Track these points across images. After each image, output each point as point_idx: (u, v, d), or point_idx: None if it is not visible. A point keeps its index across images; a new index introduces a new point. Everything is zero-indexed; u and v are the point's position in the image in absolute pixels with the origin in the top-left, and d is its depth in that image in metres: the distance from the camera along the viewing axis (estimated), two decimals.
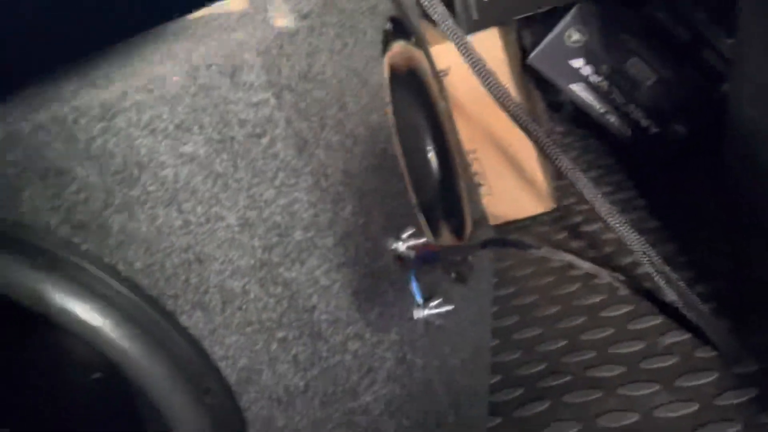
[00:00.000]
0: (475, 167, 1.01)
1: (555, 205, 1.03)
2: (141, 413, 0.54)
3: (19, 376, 0.58)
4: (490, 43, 0.94)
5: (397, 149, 0.64)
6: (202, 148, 0.42)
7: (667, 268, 0.63)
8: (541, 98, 1.25)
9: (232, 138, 0.42)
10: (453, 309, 0.67)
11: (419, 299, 0.56)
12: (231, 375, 0.51)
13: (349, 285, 0.46)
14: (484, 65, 0.62)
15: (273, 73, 0.41)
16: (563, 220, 1.01)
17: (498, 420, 0.70)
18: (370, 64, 0.60)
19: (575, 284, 0.86)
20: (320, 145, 0.45)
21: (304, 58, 0.45)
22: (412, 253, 0.54)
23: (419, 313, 0.56)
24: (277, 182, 0.43)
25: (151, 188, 0.44)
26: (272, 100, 0.41)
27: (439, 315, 0.57)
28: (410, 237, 0.55)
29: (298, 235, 0.44)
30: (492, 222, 1.04)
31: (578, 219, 0.99)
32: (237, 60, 0.40)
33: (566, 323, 0.79)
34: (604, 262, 0.87)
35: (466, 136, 0.99)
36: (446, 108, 0.92)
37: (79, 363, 0.57)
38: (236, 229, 0.45)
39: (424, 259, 0.60)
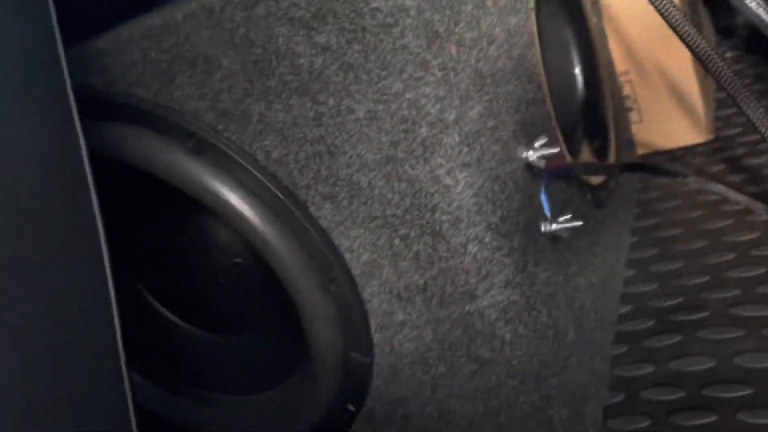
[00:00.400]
0: (626, 90, 0.94)
1: (713, 136, 0.94)
2: (273, 299, 0.58)
3: (170, 251, 0.65)
4: None
5: (538, 58, 0.61)
6: (335, 38, 0.43)
7: None
8: (711, 21, 1.13)
9: (364, 28, 0.42)
10: (585, 230, 0.65)
11: (547, 212, 0.55)
12: (355, 267, 0.53)
13: (471, 186, 0.46)
14: None
15: None
16: (721, 152, 0.92)
17: (624, 348, 0.68)
18: None
19: (727, 219, 0.79)
20: (452, 40, 0.44)
21: None
22: (542, 164, 0.52)
23: (547, 226, 0.55)
24: (404, 75, 0.43)
25: (287, 78, 0.46)
26: None
27: (567, 231, 0.55)
28: (543, 147, 0.53)
29: (423, 131, 0.44)
30: (640, 151, 0.98)
31: (740, 151, 0.90)
32: None
33: (711, 259, 0.74)
34: (765, 197, 0.79)
35: (619, 56, 0.93)
36: (598, 23, 0.86)
37: (223, 246, 0.63)
38: (364, 122, 0.46)
39: (558, 173, 0.58)
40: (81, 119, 0.53)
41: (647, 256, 0.79)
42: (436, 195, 0.47)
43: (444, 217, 0.48)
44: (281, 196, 0.51)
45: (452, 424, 0.58)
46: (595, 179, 0.73)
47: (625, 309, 0.73)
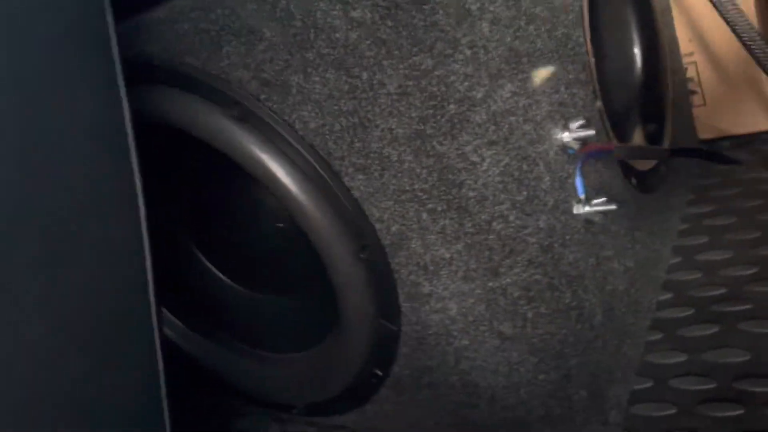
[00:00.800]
0: (689, 72, 0.91)
1: None
2: (311, 264, 0.60)
3: (220, 213, 0.69)
4: None
5: (585, 37, 0.60)
6: (369, 14, 0.44)
7: None
8: None
9: (396, 5, 0.43)
10: (625, 214, 0.64)
11: (581, 194, 0.55)
12: (385, 237, 0.55)
13: (497, 164, 0.46)
14: None
15: None
16: None
17: (659, 335, 0.67)
18: None
19: None
20: (485, 18, 0.44)
21: None
22: (577, 145, 0.52)
23: (579, 209, 0.55)
24: (435, 52, 0.43)
25: (324, 51, 0.48)
26: None
27: (600, 214, 0.55)
28: (579, 128, 0.53)
29: (451, 108, 0.45)
30: (703, 135, 0.95)
31: None
32: None
33: (762, 251, 0.72)
34: None
35: (684, 36, 0.89)
36: (662, 1, 0.84)
37: (268, 211, 0.66)
38: (395, 97, 0.47)
39: (596, 155, 0.58)
40: (138, 84, 0.56)
41: (695, 244, 0.77)
42: (463, 172, 0.48)
43: (470, 194, 0.48)
44: (317, 166, 0.53)
45: (474, 395, 0.60)
46: (643, 163, 0.72)
47: (666, 296, 0.72)
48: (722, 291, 0.69)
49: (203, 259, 0.72)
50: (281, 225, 0.66)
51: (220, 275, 0.72)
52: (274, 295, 0.70)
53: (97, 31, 0.40)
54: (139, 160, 0.41)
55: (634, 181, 0.69)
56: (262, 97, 0.52)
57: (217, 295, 0.72)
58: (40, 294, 0.34)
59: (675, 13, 0.88)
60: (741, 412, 0.56)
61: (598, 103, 0.62)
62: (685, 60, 0.90)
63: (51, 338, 0.36)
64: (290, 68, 0.50)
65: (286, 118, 0.52)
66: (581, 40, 0.58)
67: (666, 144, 0.81)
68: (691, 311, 0.68)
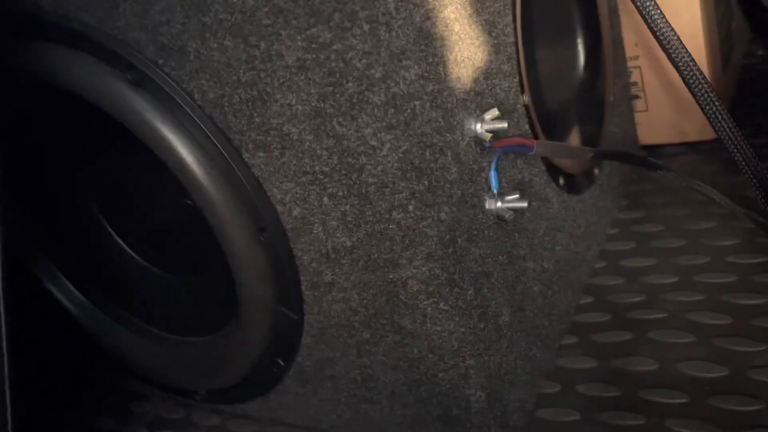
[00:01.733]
0: (634, 77, 0.90)
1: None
2: (216, 246, 0.57)
3: (125, 182, 0.65)
4: None
5: (516, 28, 0.58)
6: None
7: None
8: (745, 19, 1.06)
9: None
10: (546, 214, 0.62)
11: (494, 189, 0.53)
12: (287, 221, 0.52)
13: (396, 150, 0.44)
14: None
15: None
16: (725, 152, 0.87)
17: (573, 339, 0.66)
18: None
19: (711, 222, 0.75)
20: None
21: None
22: (488, 138, 0.50)
23: (492, 204, 0.53)
24: (332, 24, 0.41)
25: (221, 16, 0.44)
26: None
27: (515, 212, 0.53)
28: (495, 120, 0.50)
29: (350, 86, 0.43)
30: (643, 141, 0.94)
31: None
32: None
33: (685, 260, 0.71)
34: (754, 206, 0.75)
35: (631, 40, 0.88)
36: (608, 1, 0.82)
37: (175, 186, 0.62)
38: (294, 70, 0.44)
39: (513, 149, 0.56)
40: (28, 39, 0.52)
41: (622, 250, 0.76)
42: (363, 156, 0.45)
43: (370, 180, 0.46)
44: (215, 140, 0.50)
45: (375, 390, 0.57)
46: (573, 165, 0.70)
47: (586, 300, 0.70)
48: (641, 298, 0.68)
49: (108, 229, 0.68)
50: (189, 201, 0.62)
51: (126, 248, 0.68)
52: (179, 274, 0.67)
53: None
54: None
55: (561, 181, 0.67)
56: (160, 61, 0.49)
57: (121, 269, 0.69)
58: None
59: (622, 15, 0.86)
60: (642, 422, 0.55)
61: (525, 98, 0.60)
62: (630, 64, 0.89)
63: None
64: (187, 32, 0.46)
65: (185, 86, 0.49)
66: (508, 30, 0.56)
67: (600, 145, 0.80)
68: (608, 317, 0.67)
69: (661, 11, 0.49)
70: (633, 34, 0.87)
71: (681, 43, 0.50)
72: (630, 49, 0.88)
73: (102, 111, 0.51)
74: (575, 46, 0.79)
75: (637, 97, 0.91)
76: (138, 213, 0.66)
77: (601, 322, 0.67)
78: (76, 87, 0.51)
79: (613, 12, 0.85)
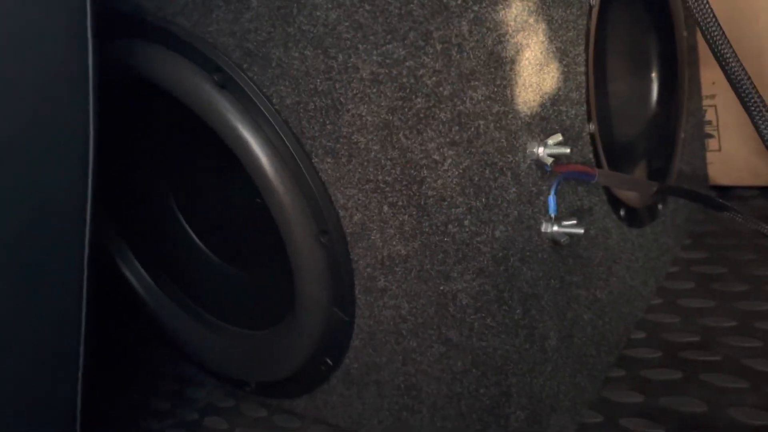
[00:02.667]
0: (708, 115, 0.88)
1: None
2: (278, 244, 0.60)
3: (200, 177, 0.69)
4: None
5: (588, 57, 0.59)
6: None
7: None
8: None
9: None
10: (604, 244, 0.63)
11: (552, 212, 0.53)
12: (347, 225, 0.54)
13: (457, 166, 0.46)
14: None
15: None
16: None
17: (621, 372, 0.65)
18: None
19: None
20: (465, 16, 0.43)
21: None
22: (550, 162, 0.51)
23: (548, 227, 0.53)
24: (407, 42, 0.43)
25: (305, 27, 0.47)
26: None
27: (571, 238, 0.54)
28: (557, 145, 0.51)
29: (418, 101, 0.45)
30: (714, 181, 0.92)
31: None
32: None
33: (746, 305, 0.69)
34: None
35: (708, 78, 0.87)
36: (689, 39, 0.81)
37: (249, 183, 0.66)
38: (368, 83, 0.46)
39: (575, 176, 0.56)
40: (134, 37, 0.57)
41: (680, 289, 0.75)
42: (425, 169, 0.47)
43: (430, 192, 0.48)
44: (288, 143, 0.53)
45: (417, 400, 0.59)
46: (637, 199, 0.70)
47: (638, 335, 0.70)
48: (696, 339, 0.67)
49: (181, 218, 0.72)
50: (259, 201, 0.66)
51: (194, 237, 0.72)
52: (241, 268, 0.70)
53: None
54: (96, 108, 0.41)
55: (622, 213, 0.67)
56: (245, 66, 0.53)
57: (187, 257, 0.73)
58: None
59: (701, 53, 0.86)
60: None
61: (591, 126, 0.60)
62: (706, 102, 0.87)
63: None
64: (272, 41, 0.49)
65: (265, 90, 0.52)
66: (579, 59, 0.57)
67: (670, 183, 0.79)
68: (659, 354, 0.66)
69: (733, 51, 0.49)
70: (711, 73, 0.86)
71: (752, 85, 0.50)
72: (707, 88, 0.87)
73: (187, 108, 0.55)
74: (649, 80, 0.79)
75: (710, 136, 0.89)
76: (210, 207, 0.70)
77: (651, 358, 0.66)
78: (167, 84, 0.55)
79: (692, 49, 0.84)
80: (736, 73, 0.49)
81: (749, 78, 0.49)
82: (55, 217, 0.40)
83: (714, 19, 0.49)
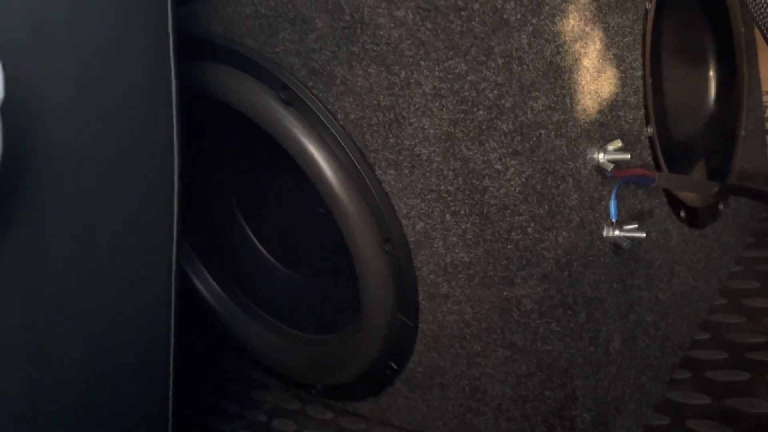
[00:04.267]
0: None
1: None
2: (342, 251, 0.62)
3: (265, 188, 0.72)
4: None
5: (645, 62, 0.59)
6: (411, 14, 0.46)
7: None
8: None
9: (437, 8, 0.44)
10: (665, 245, 0.63)
11: (613, 217, 0.54)
12: (410, 234, 0.56)
13: (520, 175, 0.47)
14: None
15: None
16: None
17: (686, 374, 0.65)
18: None
19: None
20: (524, 30, 0.45)
21: None
22: (610, 168, 0.51)
23: (609, 232, 0.54)
24: (469, 57, 0.44)
25: (368, 46, 0.49)
26: None
27: (632, 241, 0.54)
28: (616, 150, 0.52)
29: (480, 114, 0.46)
30: None
31: None
32: None
33: None
34: None
35: (767, 73, 0.86)
36: (747, 34, 0.80)
37: (310, 194, 0.68)
38: (429, 97, 0.48)
39: (635, 179, 0.57)
40: (201, 59, 0.60)
41: (745, 288, 0.74)
42: (487, 178, 0.48)
43: (492, 201, 0.49)
44: (353, 156, 0.55)
45: (482, 402, 0.60)
46: (697, 199, 0.70)
47: (702, 336, 0.69)
48: (762, 339, 0.66)
49: (246, 228, 0.76)
50: (321, 211, 0.68)
51: (259, 246, 0.75)
52: (305, 275, 0.73)
53: (156, 10, 0.43)
54: (180, 126, 0.44)
55: (682, 214, 0.67)
56: (310, 84, 0.55)
57: (253, 265, 0.76)
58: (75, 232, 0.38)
59: (760, 48, 0.84)
60: None
61: (650, 129, 0.60)
62: (766, 99, 0.86)
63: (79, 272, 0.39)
64: (336, 59, 0.52)
65: (330, 107, 0.55)
66: (636, 63, 0.57)
67: (730, 181, 0.78)
68: (725, 355, 0.66)
69: None
70: None
71: None
72: (766, 83, 0.86)
73: (255, 124, 0.58)
74: (707, 78, 0.78)
75: None
76: (274, 216, 0.73)
77: (717, 360, 0.65)
78: (236, 102, 0.58)
79: (750, 45, 0.83)
80: None
81: None
82: (147, 230, 0.43)
83: None
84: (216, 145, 0.72)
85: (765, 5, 0.52)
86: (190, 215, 0.78)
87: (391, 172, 0.54)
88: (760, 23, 0.53)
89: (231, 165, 0.74)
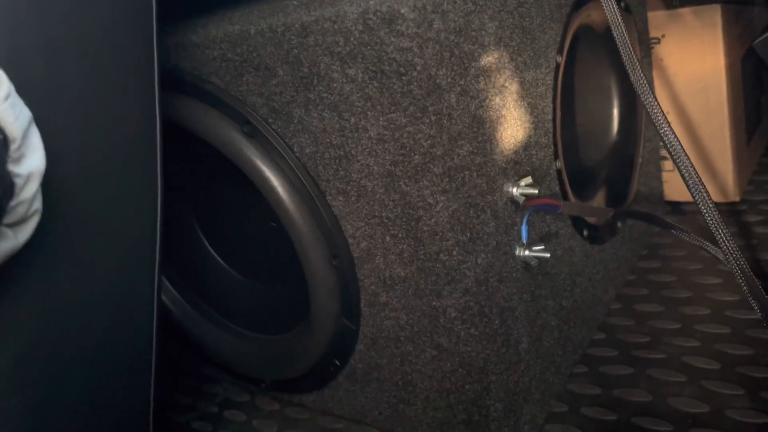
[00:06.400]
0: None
1: (738, 199, 1.00)
2: (292, 263, 0.71)
3: (224, 205, 0.79)
4: (709, 19, 0.91)
5: (554, 109, 0.70)
6: (361, 74, 0.55)
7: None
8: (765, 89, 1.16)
9: (383, 72, 0.53)
10: (568, 260, 0.74)
11: (524, 240, 0.65)
12: (355, 251, 0.65)
13: (447, 209, 0.57)
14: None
15: (423, 26, 0.51)
16: (742, 215, 0.98)
17: (584, 368, 0.77)
18: (546, 23, 0.67)
19: (718, 278, 0.86)
20: (453, 90, 0.54)
21: (462, 16, 0.54)
22: (522, 200, 0.62)
23: (520, 252, 0.65)
24: (407, 113, 0.54)
25: (323, 95, 0.58)
26: (415, 49, 0.51)
27: (536, 259, 0.65)
28: (528, 186, 0.63)
29: (416, 158, 0.56)
30: (670, 198, 1.04)
31: (757, 218, 0.96)
32: (395, 12, 0.51)
33: (689, 310, 0.82)
34: (758, 267, 0.85)
35: (664, 105, 0.99)
36: (647, 74, 0.93)
37: (263, 211, 0.76)
38: (375, 141, 0.57)
39: (543, 208, 0.68)
40: (171, 92, 0.67)
41: (636, 295, 0.87)
42: (421, 209, 0.58)
43: (425, 228, 0.59)
44: (306, 184, 0.64)
45: (413, 394, 0.70)
46: (596, 218, 0.82)
47: (599, 336, 0.82)
48: (646, 339, 0.79)
49: (203, 240, 0.83)
50: (274, 225, 0.76)
51: (215, 255, 0.83)
52: (258, 282, 0.81)
53: (143, 42, 0.50)
54: (163, 156, 0.51)
55: (585, 233, 0.79)
56: (270, 120, 0.63)
57: (211, 274, 0.83)
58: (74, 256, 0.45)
59: (656, 81, 0.98)
60: None
61: (558, 163, 0.72)
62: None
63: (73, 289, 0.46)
64: (295, 102, 0.60)
65: (287, 141, 0.63)
66: (547, 108, 0.68)
67: (628, 203, 0.91)
68: (615, 352, 0.78)
69: (653, 96, 0.61)
70: (665, 104, 0.98)
71: (667, 124, 0.62)
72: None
73: (220, 153, 0.66)
74: (611, 114, 0.91)
75: (665, 158, 1.01)
76: (232, 233, 0.81)
77: (609, 356, 0.78)
78: (203, 133, 0.66)
79: (650, 83, 0.96)
80: (655, 114, 0.61)
81: (664, 117, 0.61)
82: (134, 258, 0.50)
83: (649, 90, 0.61)
84: (177, 168, 0.79)
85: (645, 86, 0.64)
86: None
87: (340, 198, 0.63)
88: (643, 98, 0.65)
89: (190, 185, 0.81)
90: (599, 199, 0.87)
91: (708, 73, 0.95)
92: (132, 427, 0.50)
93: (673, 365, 0.74)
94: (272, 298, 0.80)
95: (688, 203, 1.03)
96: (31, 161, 0.38)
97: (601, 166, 0.90)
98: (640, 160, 0.93)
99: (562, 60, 0.71)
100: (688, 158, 0.62)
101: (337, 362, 0.74)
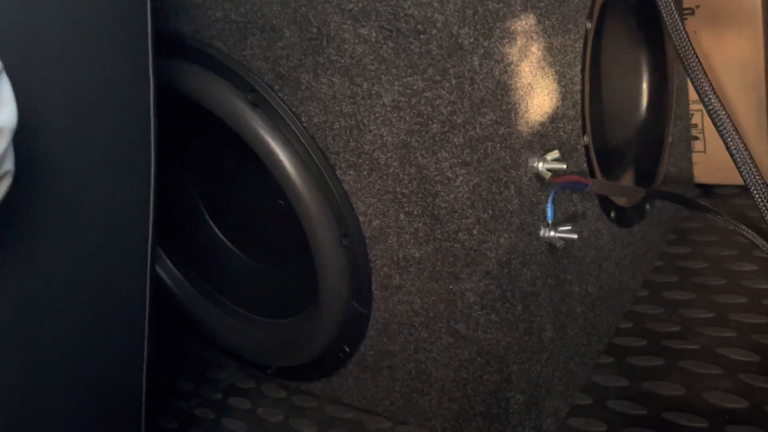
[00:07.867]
0: (694, 119, 0.95)
1: None
2: (300, 243, 0.66)
3: (228, 180, 0.75)
4: None
5: (583, 78, 0.65)
6: (374, 33, 0.50)
7: None
8: None
9: (398, 30, 0.49)
10: (595, 243, 0.69)
11: (549, 219, 0.60)
12: (366, 230, 0.61)
13: (467, 183, 0.52)
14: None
15: None
16: None
17: (609, 359, 0.72)
18: None
19: (754, 265, 0.80)
20: (476, 52, 0.49)
21: None
22: (548, 175, 0.57)
23: (545, 233, 0.60)
24: (426, 76, 0.49)
25: (333, 58, 0.53)
26: (435, 4, 0.46)
27: (565, 241, 0.60)
28: (554, 160, 0.58)
29: (434, 127, 0.51)
30: (699, 180, 0.99)
31: None
32: None
33: (723, 298, 0.76)
34: None
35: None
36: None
37: (270, 187, 0.72)
38: (389, 108, 0.52)
39: (569, 185, 0.63)
40: (170, 57, 0.63)
41: (664, 282, 0.82)
42: (439, 184, 0.53)
43: (442, 204, 0.54)
44: (315, 157, 0.59)
45: (427, 384, 0.66)
46: (625, 199, 0.76)
47: (625, 325, 0.77)
48: (677, 329, 0.74)
49: (207, 218, 0.79)
50: (281, 203, 0.72)
51: (220, 235, 0.79)
52: (265, 264, 0.77)
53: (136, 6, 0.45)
54: (157, 123, 0.47)
55: (613, 214, 0.74)
56: (276, 87, 0.58)
57: (215, 254, 0.79)
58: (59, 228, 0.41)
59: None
60: None
61: (586, 139, 0.67)
62: (693, 107, 0.94)
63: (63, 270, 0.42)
64: (303, 67, 0.55)
65: (294, 110, 0.58)
66: (576, 78, 0.63)
67: (657, 184, 0.86)
68: (643, 342, 0.73)
69: (698, 61, 0.56)
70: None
71: (714, 93, 0.57)
72: (694, 93, 0.93)
73: (220, 121, 0.61)
74: (640, 89, 0.85)
75: (696, 138, 0.96)
76: (235, 209, 0.76)
77: (637, 347, 0.73)
78: (205, 101, 0.61)
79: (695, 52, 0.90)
80: (700, 80, 0.55)
81: (711, 85, 0.56)
82: (124, 228, 0.46)
83: (696, 59, 0.55)
84: (179, 139, 0.75)
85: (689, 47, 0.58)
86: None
87: (351, 173, 0.58)
88: (684, 63, 0.59)
89: (194, 159, 0.76)
90: (627, 180, 0.82)
91: (745, 47, 0.89)
92: (122, 406, 0.46)
93: (707, 357, 0.69)
94: (279, 281, 0.75)
95: (719, 186, 0.98)
96: None
97: (628, 144, 0.84)
98: (670, 139, 0.87)
99: (592, 27, 0.66)
100: (738, 133, 0.56)
101: (347, 348, 0.69)
